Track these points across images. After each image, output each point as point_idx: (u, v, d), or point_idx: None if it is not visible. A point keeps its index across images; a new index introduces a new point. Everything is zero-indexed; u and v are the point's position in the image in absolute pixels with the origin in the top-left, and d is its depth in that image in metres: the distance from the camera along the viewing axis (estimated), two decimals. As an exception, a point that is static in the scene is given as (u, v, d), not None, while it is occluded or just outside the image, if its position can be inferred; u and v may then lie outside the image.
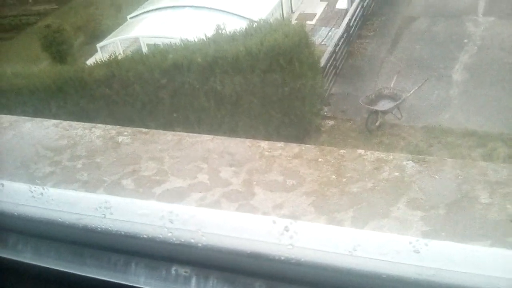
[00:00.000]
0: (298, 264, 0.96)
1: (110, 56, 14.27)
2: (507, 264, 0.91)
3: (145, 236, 1.08)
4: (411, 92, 14.19)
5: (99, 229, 1.11)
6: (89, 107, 13.63)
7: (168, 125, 13.14)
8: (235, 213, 1.10)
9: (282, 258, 0.97)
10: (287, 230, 0.98)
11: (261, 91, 12.89)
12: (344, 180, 2.51)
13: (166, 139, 3.00)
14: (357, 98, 14.65)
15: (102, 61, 14.23)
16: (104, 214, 1.11)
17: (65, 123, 3.28)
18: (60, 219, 1.14)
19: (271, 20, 14.04)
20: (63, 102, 13.71)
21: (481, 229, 2.20)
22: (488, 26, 17.45)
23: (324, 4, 22.01)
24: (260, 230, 1.01)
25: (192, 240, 1.04)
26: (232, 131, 13.05)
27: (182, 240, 1.05)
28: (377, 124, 14.06)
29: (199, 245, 1.03)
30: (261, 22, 13.84)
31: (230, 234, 1.02)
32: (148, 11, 21.07)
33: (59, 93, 13.70)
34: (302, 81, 12.93)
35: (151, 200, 2.56)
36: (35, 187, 1.19)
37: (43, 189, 1.18)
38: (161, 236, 1.06)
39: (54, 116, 12.83)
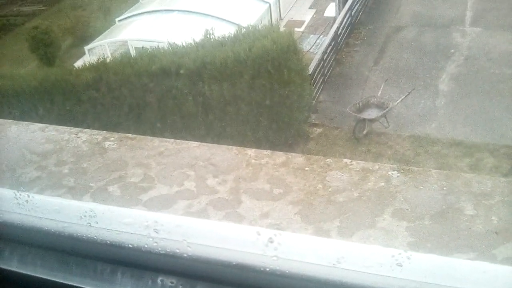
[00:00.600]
0: (283, 275, 0.96)
1: (98, 59, 14.23)
2: (489, 278, 0.92)
3: (130, 246, 1.08)
4: (398, 101, 14.26)
5: (84, 237, 1.11)
6: (76, 110, 13.56)
7: (155, 130, 13.12)
8: (220, 223, 1.11)
9: (267, 269, 0.97)
10: (271, 242, 0.98)
11: (249, 97, 12.90)
12: (330, 189, 2.52)
13: (153, 145, 3.00)
14: (345, 106, 14.70)
15: (90, 64, 14.18)
16: (89, 223, 1.10)
17: (51, 127, 3.26)
18: (46, 227, 1.14)
19: (259, 26, 14.06)
20: (49, 104, 13.63)
21: (466, 241, 2.21)
22: (475, 36, 17.59)
23: (312, 11, 22.10)
24: (245, 241, 1.01)
25: (178, 250, 1.04)
26: (220, 137, 13.04)
27: (168, 250, 1.05)
28: (364, 132, 14.12)
29: (185, 255, 1.03)
30: (250, 28, 13.86)
31: (215, 244, 1.02)
32: (136, 14, 21.04)
33: (46, 96, 13.62)
34: (290, 88, 12.96)
35: (136, 208, 2.56)
36: (20, 194, 1.19)
37: (28, 196, 1.17)
38: (146, 246, 1.06)
39: (41, 119, 12.76)
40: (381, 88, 14.65)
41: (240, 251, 1.00)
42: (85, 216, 1.10)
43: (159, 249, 1.05)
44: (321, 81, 16.11)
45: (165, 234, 1.05)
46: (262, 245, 0.98)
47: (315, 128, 14.80)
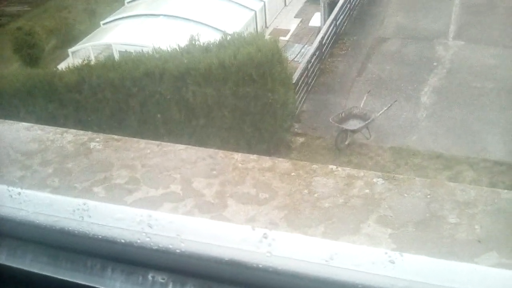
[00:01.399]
0: (276, 272, 0.97)
1: (82, 62, 14.17)
2: (479, 279, 0.94)
3: (123, 241, 1.08)
4: (380, 112, 14.36)
5: (76, 232, 1.11)
6: (58, 113, 13.47)
7: (137, 135, 13.04)
8: (215, 221, 1.11)
9: (260, 266, 0.98)
10: (265, 237, 0.99)
11: (232, 104, 12.92)
12: (316, 195, 2.53)
13: (139, 147, 2.99)
14: (328, 116, 14.76)
15: (73, 67, 14.11)
16: (82, 217, 1.10)
17: (37, 126, 3.25)
18: (37, 221, 1.13)
19: (245, 34, 14.09)
20: (32, 106, 13.53)
21: (449, 248, 2.24)
22: (458, 50, 17.78)
23: (297, 20, 22.21)
24: (239, 238, 1.02)
25: (171, 246, 1.04)
26: (203, 144, 13.00)
27: (160, 245, 1.05)
28: (347, 143, 14.19)
29: (177, 251, 1.03)
30: (235, 35, 13.89)
31: (209, 241, 1.02)
32: (121, 18, 20.98)
33: (28, 97, 13.52)
34: (274, 96, 12.99)
35: (131, 204, 2.56)
36: (12, 188, 1.18)
37: (21, 189, 1.17)
38: (139, 241, 1.06)
39: (22, 121, 12.61)
40: (364, 99, 14.75)
41: (234, 248, 1.00)
42: (78, 209, 1.10)
43: (152, 244, 1.05)
44: (305, 90, 16.17)
45: (158, 230, 1.05)
46: (256, 241, 0.98)
47: (298, 138, 14.84)
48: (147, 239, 1.05)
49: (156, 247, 1.05)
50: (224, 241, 1.01)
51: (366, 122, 14.09)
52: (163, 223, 1.06)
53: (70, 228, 1.11)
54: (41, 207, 1.14)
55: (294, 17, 22.59)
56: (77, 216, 1.10)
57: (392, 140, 14.38)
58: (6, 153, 2.96)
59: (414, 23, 19.57)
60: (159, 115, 13.20)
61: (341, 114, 14.44)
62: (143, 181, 2.74)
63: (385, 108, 14.40)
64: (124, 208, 1.14)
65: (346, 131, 14.12)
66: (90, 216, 1.10)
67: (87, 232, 1.10)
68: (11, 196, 1.16)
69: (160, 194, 2.64)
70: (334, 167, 2.70)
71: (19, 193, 1.16)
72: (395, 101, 14.84)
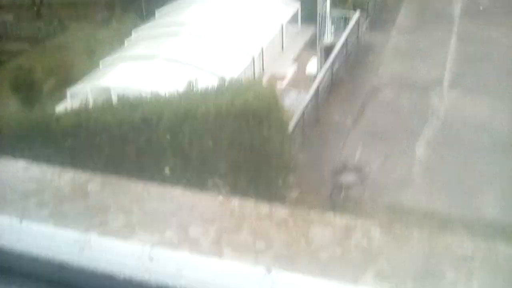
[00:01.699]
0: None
1: (79, 105, 14.19)
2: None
3: (122, 277, 1.06)
4: (375, 167, 14.34)
5: (75, 266, 1.09)
6: (54, 156, 13.38)
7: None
8: (216, 258, 1.10)
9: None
10: (269, 272, 0.98)
11: (229, 153, 12.90)
12: (313, 245, 2.51)
13: (136, 190, 2.97)
14: (323, 167, 14.74)
15: (71, 109, 14.13)
16: (82, 248, 1.09)
17: (34, 165, 3.23)
18: (35, 253, 1.11)
19: (242, 79, 14.14)
20: (27, 149, 13.45)
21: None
22: (453, 100, 17.78)
23: (295, 66, 22.25)
24: (241, 274, 1.00)
25: (170, 282, 1.02)
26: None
27: (160, 282, 1.03)
28: (341, 197, 14.12)
29: (178, 287, 1.01)
30: (233, 80, 13.95)
31: (210, 277, 1.01)
32: (120, 59, 21.02)
33: (24, 139, 13.48)
34: (270, 146, 12.98)
35: (131, 239, 2.52)
36: (13, 219, 1.17)
37: (21, 220, 1.15)
38: (138, 277, 1.04)
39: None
40: (358, 152, 14.76)
41: (235, 284, 0.99)
42: (78, 241, 1.09)
43: (151, 281, 1.03)
44: (300, 140, 16.16)
45: (159, 265, 1.03)
46: (259, 276, 0.97)
47: (292, 191, 14.67)
48: (147, 274, 1.03)
49: (155, 285, 1.03)
50: (225, 278, 1.00)
51: (361, 176, 14.08)
52: (163, 259, 1.05)
53: (68, 261, 1.09)
54: (40, 239, 1.12)
55: (291, 63, 22.66)
56: (76, 248, 1.08)
57: (386, 195, 14.27)
58: (2, 193, 2.93)
59: (409, 71, 19.57)
60: (155, 161, 13.15)
61: (336, 168, 14.43)
62: (139, 225, 2.71)
63: (379, 162, 14.41)
64: (125, 243, 1.12)
65: (340, 185, 14.08)
66: (90, 248, 1.08)
67: (85, 266, 1.08)
68: (11, 225, 1.14)
69: (156, 240, 2.61)
70: (332, 216, 2.68)
71: (21, 221, 1.14)
72: (390, 154, 14.84)
